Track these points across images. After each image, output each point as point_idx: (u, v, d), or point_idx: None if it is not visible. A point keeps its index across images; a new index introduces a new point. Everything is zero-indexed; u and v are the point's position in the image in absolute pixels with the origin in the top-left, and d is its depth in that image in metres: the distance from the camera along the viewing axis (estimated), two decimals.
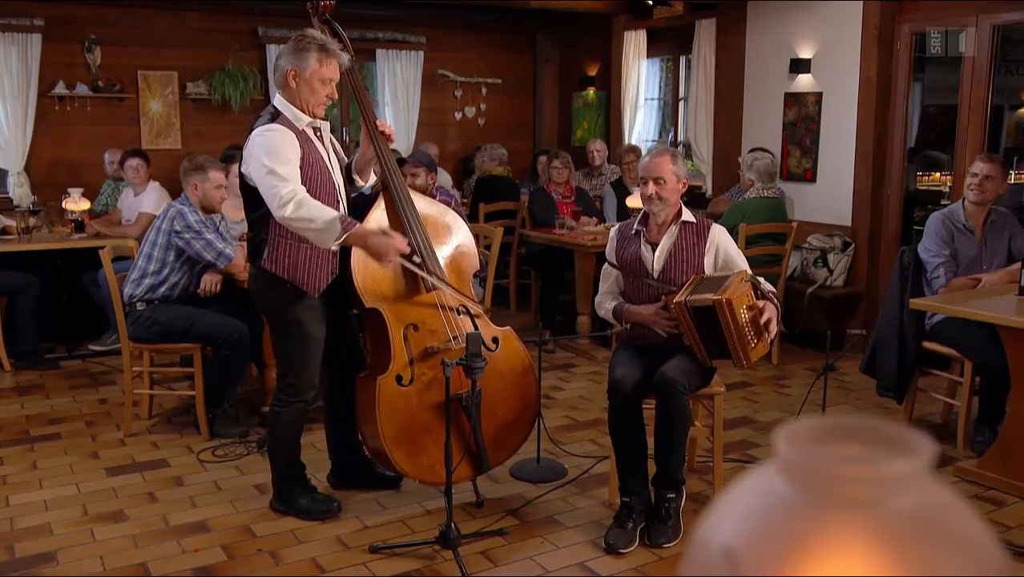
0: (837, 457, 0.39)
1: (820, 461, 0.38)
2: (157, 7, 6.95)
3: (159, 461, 3.95)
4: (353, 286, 3.18)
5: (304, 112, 3.11)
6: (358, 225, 3.01)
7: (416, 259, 3.15)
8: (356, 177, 3.38)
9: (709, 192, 6.93)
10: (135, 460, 3.96)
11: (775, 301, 3.25)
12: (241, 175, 3.12)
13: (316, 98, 3.10)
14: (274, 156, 2.96)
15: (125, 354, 4.17)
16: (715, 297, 3.06)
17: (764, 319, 3.16)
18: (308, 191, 3.01)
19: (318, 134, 3.19)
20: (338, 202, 3.19)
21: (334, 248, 3.04)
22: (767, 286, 3.26)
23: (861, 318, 5.73)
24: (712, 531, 0.41)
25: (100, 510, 3.45)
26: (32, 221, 5.66)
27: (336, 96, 3.20)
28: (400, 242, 3.05)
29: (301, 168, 3.04)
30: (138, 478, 3.76)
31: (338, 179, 3.23)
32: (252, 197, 3.09)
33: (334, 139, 3.38)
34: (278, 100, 3.14)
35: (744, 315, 3.11)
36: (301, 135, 3.08)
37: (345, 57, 3.17)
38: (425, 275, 3.21)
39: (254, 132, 3.06)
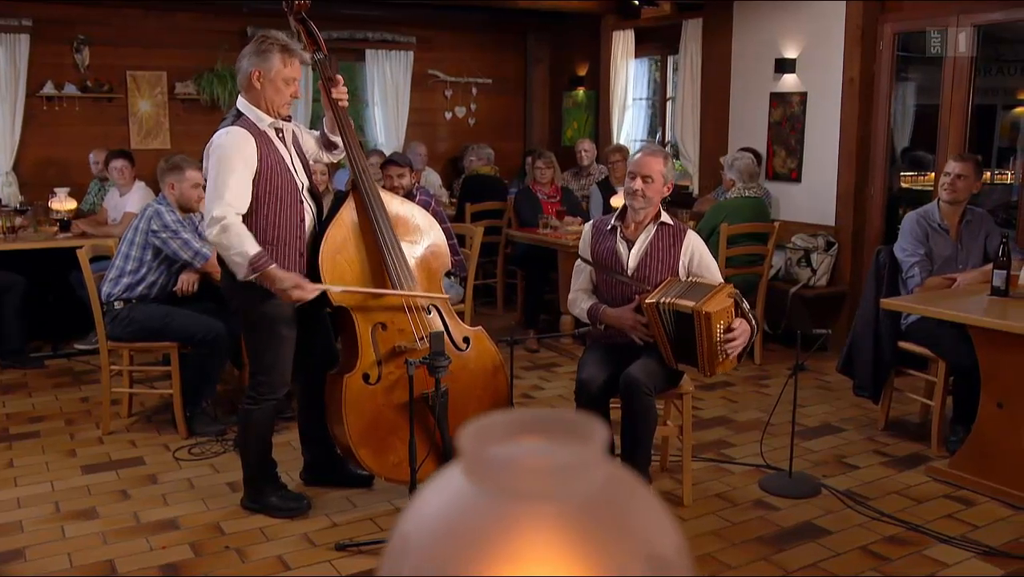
0: (509, 451, 0.40)
1: (494, 457, 0.40)
2: (146, 7, 6.97)
3: (135, 459, 3.97)
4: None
5: (268, 113, 3.14)
6: (271, 268, 3.02)
7: (336, 288, 3.17)
8: (333, 138, 3.41)
9: (696, 192, 6.94)
10: (111, 458, 3.99)
11: (752, 323, 3.22)
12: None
13: (280, 98, 3.13)
14: (223, 169, 3.00)
15: (103, 353, 4.20)
16: (694, 306, 3.05)
17: (731, 335, 3.13)
18: (268, 191, 3.05)
19: (280, 135, 3.21)
20: (301, 201, 3.20)
21: (249, 278, 3.03)
22: (747, 306, 3.23)
23: (844, 318, 5.73)
24: (404, 525, 0.43)
25: (72, 508, 3.47)
26: (19, 220, 5.69)
27: (300, 95, 3.22)
28: (303, 293, 3.07)
29: (260, 170, 3.06)
30: (113, 476, 3.78)
31: (301, 179, 3.24)
32: None
33: (307, 131, 3.42)
34: (241, 102, 3.16)
35: (719, 330, 3.10)
36: (262, 136, 3.10)
37: (307, 56, 3.19)
38: (355, 289, 3.23)
39: (214, 136, 3.09)
